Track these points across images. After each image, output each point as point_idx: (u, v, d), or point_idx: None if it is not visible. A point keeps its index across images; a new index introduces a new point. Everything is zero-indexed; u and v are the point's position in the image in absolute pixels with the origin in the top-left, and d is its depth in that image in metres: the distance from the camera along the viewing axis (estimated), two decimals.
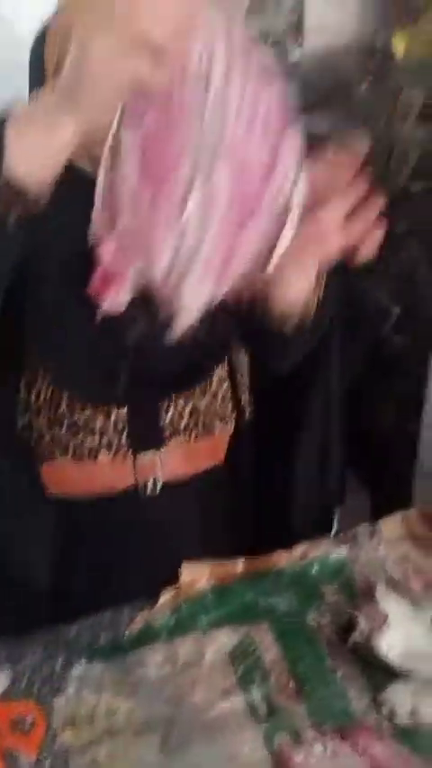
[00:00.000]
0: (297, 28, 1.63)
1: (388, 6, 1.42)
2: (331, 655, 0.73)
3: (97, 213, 0.63)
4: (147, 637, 0.75)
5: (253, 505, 0.98)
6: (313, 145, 0.67)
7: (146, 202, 0.62)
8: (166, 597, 0.79)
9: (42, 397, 0.86)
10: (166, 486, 0.89)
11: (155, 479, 0.89)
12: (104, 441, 0.87)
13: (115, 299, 0.67)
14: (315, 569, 0.85)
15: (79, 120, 0.58)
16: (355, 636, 0.72)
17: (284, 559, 0.87)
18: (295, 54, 1.65)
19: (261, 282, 0.71)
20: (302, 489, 1.00)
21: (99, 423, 0.86)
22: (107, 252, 0.65)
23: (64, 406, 0.85)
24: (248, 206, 0.64)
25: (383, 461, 1.60)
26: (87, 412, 0.86)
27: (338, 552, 0.87)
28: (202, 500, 0.93)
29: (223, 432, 0.93)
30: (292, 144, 0.65)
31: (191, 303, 0.66)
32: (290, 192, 0.65)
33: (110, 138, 0.61)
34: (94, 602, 0.79)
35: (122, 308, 0.68)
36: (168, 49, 0.56)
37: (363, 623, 0.71)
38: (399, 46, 1.45)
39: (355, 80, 1.56)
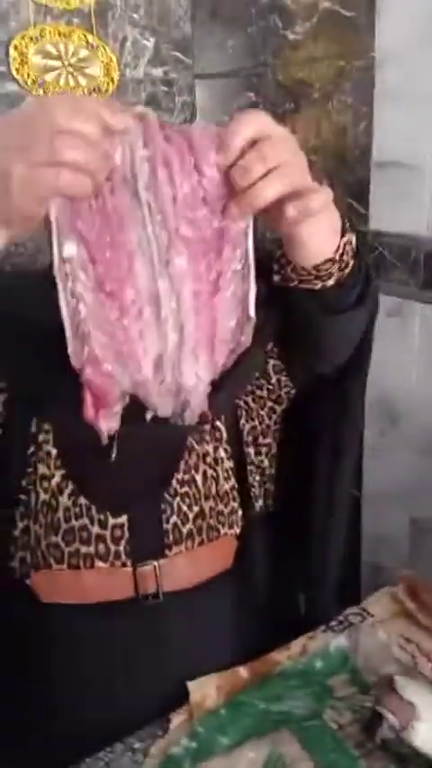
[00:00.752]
0: (190, 123, 1.70)
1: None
2: (363, 755, 0.71)
3: (70, 343, 0.62)
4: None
5: (264, 601, 0.95)
6: None
7: (112, 315, 0.62)
8: (178, 721, 0.75)
9: (41, 499, 0.82)
10: (168, 594, 0.85)
11: (156, 591, 0.84)
12: (101, 549, 0.82)
13: (110, 420, 0.67)
14: (319, 664, 0.83)
15: (7, 231, 0.59)
16: (384, 732, 0.71)
17: (284, 657, 0.85)
18: None
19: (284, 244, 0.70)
20: (316, 581, 0.98)
21: (96, 530, 0.82)
22: (90, 377, 0.63)
23: (61, 511, 0.81)
24: (214, 272, 0.63)
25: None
26: (84, 519, 0.82)
27: (337, 642, 0.86)
28: (207, 606, 0.88)
29: (230, 535, 0.90)
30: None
31: (194, 384, 0.66)
32: (245, 240, 0.64)
33: (56, 263, 0.59)
34: (100, 718, 0.75)
35: (119, 424, 0.67)
36: (88, 156, 0.55)
37: (390, 718, 0.70)
38: None
39: None
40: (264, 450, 0.96)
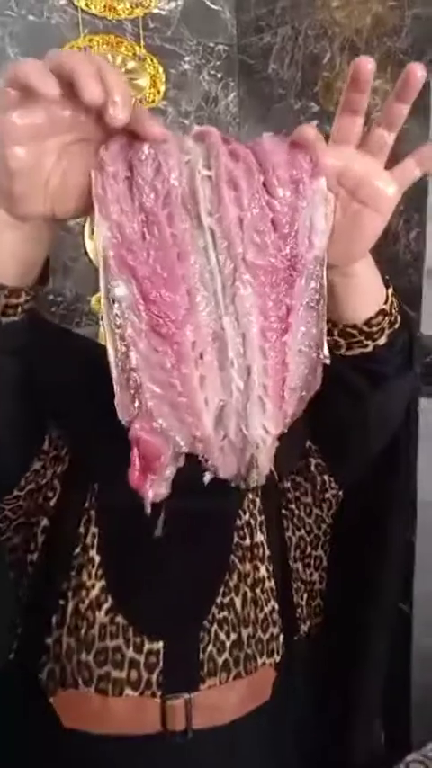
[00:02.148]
0: None
1: None
2: None
3: (118, 397, 0.54)
4: None
5: (306, 741, 0.87)
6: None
7: (168, 362, 0.54)
8: None
9: (79, 610, 0.77)
10: (198, 732, 0.78)
11: (185, 728, 0.77)
12: (133, 676, 0.76)
13: (160, 486, 0.59)
14: None
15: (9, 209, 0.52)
16: None
17: None
18: None
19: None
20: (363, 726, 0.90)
21: (130, 653, 0.76)
22: (139, 436, 0.56)
23: (97, 628, 0.76)
24: (284, 307, 0.56)
25: None
26: (119, 640, 0.76)
27: None
28: (241, 745, 0.82)
29: (269, 665, 0.83)
30: (310, 207, 0.56)
31: (261, 439, 0.58)
32: (321, 270, 0.57)
33: (104, 306, 0.53)
34: None
35: (168, 491, 0.59)
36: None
37: None
38: None
39: None
40: (314, 563, 0.90)
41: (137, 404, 0.54)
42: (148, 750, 0.77)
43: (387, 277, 0.69)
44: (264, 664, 0.82)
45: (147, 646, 0.77)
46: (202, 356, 0.55)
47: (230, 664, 0.79)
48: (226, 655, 0.79)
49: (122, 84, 0.48)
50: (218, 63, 1.65)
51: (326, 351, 0.58)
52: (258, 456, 0.59)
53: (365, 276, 0.64)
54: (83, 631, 0.76)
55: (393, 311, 0.68)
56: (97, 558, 0.78)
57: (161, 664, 0.77)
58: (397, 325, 0.69)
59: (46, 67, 0.46)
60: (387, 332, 0.68)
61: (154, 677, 0.77)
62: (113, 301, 0.52)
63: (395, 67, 1.34)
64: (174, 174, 0.52)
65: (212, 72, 1.64)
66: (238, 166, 0.53)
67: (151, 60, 1.51)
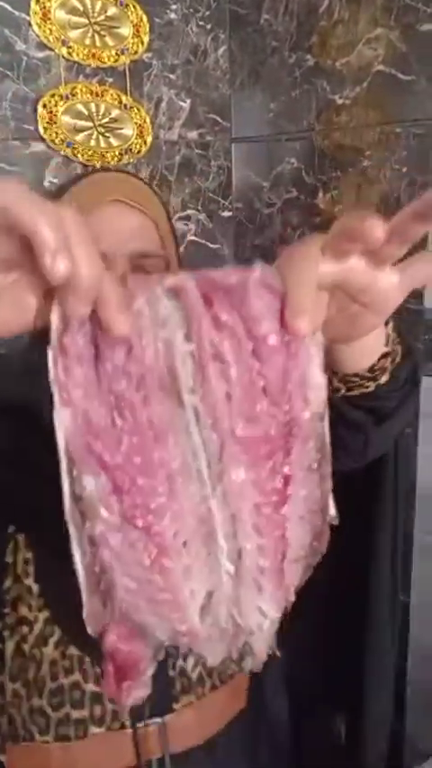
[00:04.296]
0: (226, 188, 1.62)
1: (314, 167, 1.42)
2: None
3: (87, 606, 0.46)
4: None
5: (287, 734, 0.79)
6: None
7: (146, 557, 0.45)
8: None
9: (21, 650, 0.65)
10: (176, 757, 0.69)
11: (161, 756, 0.68)
12: (97, 712, 0.67)
13: (139, 691, 0.51)
14: None
15: None
16: None
17: None
18: (225, 212, 1.64)
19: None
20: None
21: (90, 687, 0.66)
22: (114, 646, 0.48)
23: (46, 666, 0.65)
24: (280, 478, 0.47)
25: None
26: (75, 675, 0.66)
27: None
28: (223, 761, 0.73)
29: (241, 673, 0.75)
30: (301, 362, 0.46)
31: (257, 624, 0.49)
32: (321, 425, 0.47)
33: (66, 503, 0.44)
34: None
35: (149, 691, 0.52)
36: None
37: None
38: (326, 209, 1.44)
39: (291, 236, 1.54)
40: None
41: (109, 608, 0.46)
42: None
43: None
44: (238, 670, 0.74)
45: None
46: (186, 545, 0.46)
47: (204, 676, 0.71)
48: (199, 667, 0.70)
49: (92, 258, 0.38)
50: (207, 13, 1.52)
51: (332, 511, 0.49)
52: (254, 643, 0.50)
53: (375, 333, 0.54)
54: (30, 673, 0.66)
55: (395, 348, 0.61)
56: (35, 587, 0.68)
57: None
58: (398, 359, 0.62)
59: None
60: (389, 369, 0.61)
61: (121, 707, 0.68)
62: (79, 498, 0.44)
63: (400, 14, 1.22)
64: (148, 353, 0.43)
65: (201, 23, 1.52)
66: (224, 336, 0.44)
67: (134, 7, 1.38)
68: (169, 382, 0.43)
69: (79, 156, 1.34)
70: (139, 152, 1.43)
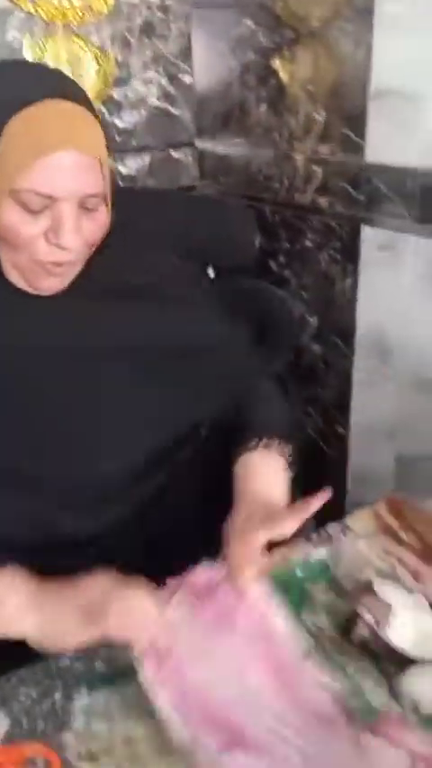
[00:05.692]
0: (186, 54, 1.67)
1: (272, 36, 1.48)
2: (337, 653, 0.72)
3: None
4: None
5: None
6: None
7: None
8: None
9: None
10: None
11: None
12: None
13: None
14: (299, 572, 0.84)
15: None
16: (360, 630, 0.72)
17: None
18: (186, 79, 1.69)
19: None
20: None
21: None
22: None
23: None
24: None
25: (315, 465, 1.63)
26: None
27: (318, 553, 0.86)
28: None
29: None
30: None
31: None
32: None
33: None
34: None
35: None
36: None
37: (367, 617, 0.71)
38: (283, 72, 1.52)
39: (251, 103, 1.62)
40: None
41: None
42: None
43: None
44: None
45: None
46: None
47: None
48: None
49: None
50: None
51: None
52: None
53: None
54: None
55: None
56: None
57: None
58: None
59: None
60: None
61: None
62: None
63: None
64: None
65: None
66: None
67: None
68: None
69: (42, 12, 1.40)
70: (100, 13, 1.49)
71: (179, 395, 0.89)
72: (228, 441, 0.90)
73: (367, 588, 0.74)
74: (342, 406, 1.55)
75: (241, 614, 0.72)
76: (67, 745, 0.62)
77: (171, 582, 0.73)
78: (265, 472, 0.86)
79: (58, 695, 0.67)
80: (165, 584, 0.74)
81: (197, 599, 0.72)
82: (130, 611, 0.67)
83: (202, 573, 0.74)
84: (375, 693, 0.68)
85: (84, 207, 0.74)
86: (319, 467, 1.62)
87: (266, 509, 0.78)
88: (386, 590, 0.73)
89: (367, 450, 1.55)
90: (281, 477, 0.86)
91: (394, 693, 0.67)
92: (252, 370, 0.98)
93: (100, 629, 0.66)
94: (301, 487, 1.02)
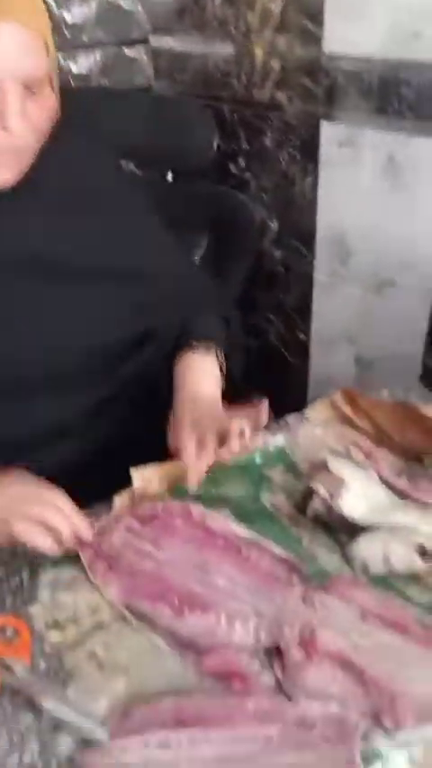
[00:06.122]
0: None
1: None
2: (294, 526, 0.76)
3: None
4: None
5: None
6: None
7: None
8: (121, 501, 0.77)
9: None
10: None
11: None
12: None
13: None
14: (258, 458, 0.86)
15: None
16: (315, 505, 0.75)
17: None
18: None
19: None
20: None
21: None
22: None
23: None
24: None
25: (278, 372, 1.65)
26: None
27: (277, 440, 0.89)
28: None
29: None
30: None
31: None
32: None
33: None
34: None
35: None
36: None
37: (321, 491, 0.74)
38: None
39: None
40: None
41: None
42: None
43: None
44: None
45: None
46: None
47: None
48: None
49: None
50: None
51: None
52: None
53: None
54: None
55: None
56: None
57: None
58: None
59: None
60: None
61: None
62: None
63: None
64: None
65: None
66: None
67: None
68: None
69: None
70: None
71: (121, 306, 0.89)
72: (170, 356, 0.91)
73: (322, 465, 0.77)
74: (303, 311, 1.56)
75: (183, 523, 0.74)
76: (35, 615, 0.65)
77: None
78: (200, 368, 0.88)
79: (24, 573, 0.69)
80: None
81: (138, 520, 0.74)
82: (41, 513, 0.68)
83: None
84: (329, 559, 0.71)
85: (29, 89, 0.72)
86: (282, 373, 1.64)
87: (212, 412, 0.81)
88: (339, 465, 0.76)
89: (328, 355, 1.57)
90: (215, 373, 0.89)
91: (347, 559, 0.71)
92: (195, 292, 0.99)
93: (5, 535, 0.67)
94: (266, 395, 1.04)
